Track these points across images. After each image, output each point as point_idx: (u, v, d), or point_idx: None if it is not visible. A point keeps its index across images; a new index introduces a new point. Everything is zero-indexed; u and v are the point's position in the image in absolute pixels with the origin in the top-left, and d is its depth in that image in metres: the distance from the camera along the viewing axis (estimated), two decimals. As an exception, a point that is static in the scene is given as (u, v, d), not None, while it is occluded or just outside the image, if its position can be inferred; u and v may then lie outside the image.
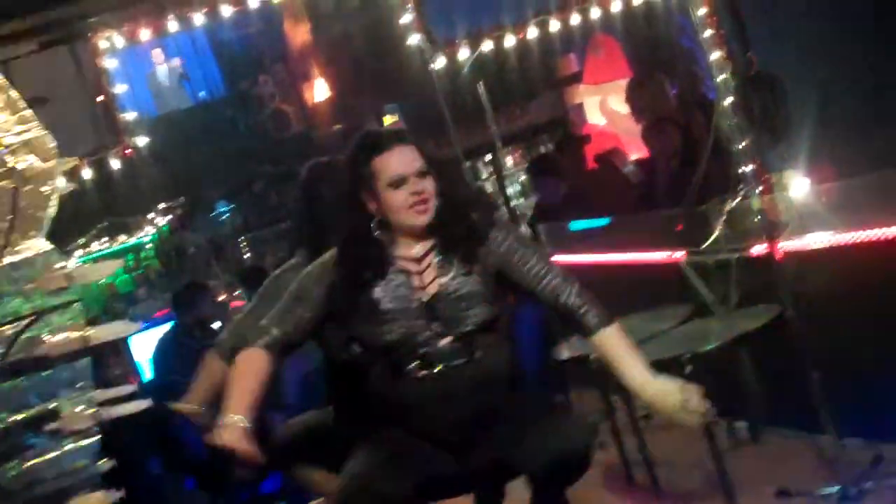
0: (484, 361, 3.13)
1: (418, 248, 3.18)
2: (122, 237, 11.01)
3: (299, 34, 10.90)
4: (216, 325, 7.68)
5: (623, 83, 9.76)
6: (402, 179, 3.10)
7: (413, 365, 3.12)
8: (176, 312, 7.56)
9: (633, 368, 3.06)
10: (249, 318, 3.71)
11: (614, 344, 3.11)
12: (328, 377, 3.99)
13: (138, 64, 11.22)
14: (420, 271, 3.16)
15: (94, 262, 9.44)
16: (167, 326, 7.77)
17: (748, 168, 4.87)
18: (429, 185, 3.13)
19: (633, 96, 7.06)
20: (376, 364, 3.21)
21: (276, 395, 6.26)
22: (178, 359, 7.30)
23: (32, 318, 3.20)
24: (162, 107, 11.65)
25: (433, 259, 3.17)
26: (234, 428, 3.09)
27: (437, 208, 3.15)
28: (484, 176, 11.18)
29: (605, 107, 10.19)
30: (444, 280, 3.13)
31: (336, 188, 3.37)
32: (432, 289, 3.14)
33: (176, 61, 11.79)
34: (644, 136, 6.91)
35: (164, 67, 11.72)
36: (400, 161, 3.11)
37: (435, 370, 3.11)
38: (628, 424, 4.69)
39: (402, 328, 3.11)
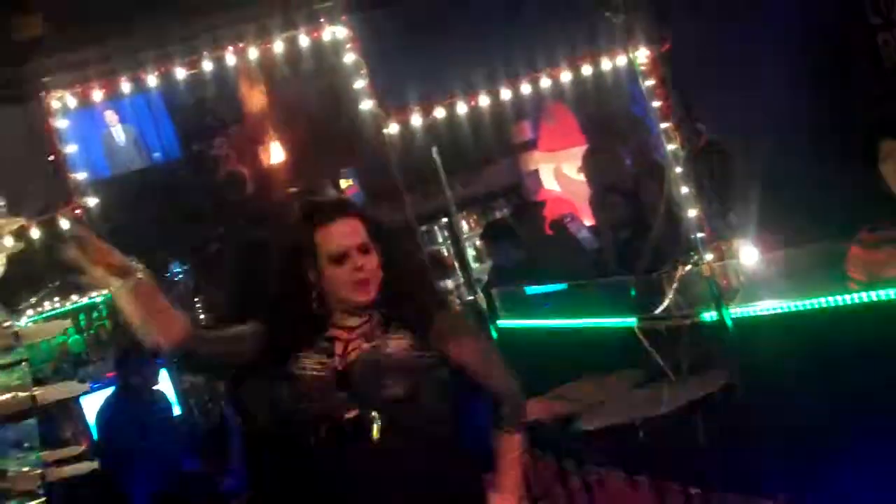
0: (392, 442, 2.90)
1: (356, 319, 3.03)
2: (74, 297, 10.90)
3: (255, 97, 10.93)
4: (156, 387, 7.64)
5: (577, 150, 9.90)
6: (344, 255, 2.96)
7: (318, 438, 2.92)
8: (118, 375, 7.50)
9: (505, 478, 3.10)
10: None
11: (508, 450, 3.12)
12: (249, 460, 3.86)
13: (92, 124, 11.18)
14: (348, 339, 3.00)
15: (45, 321, 9.35)
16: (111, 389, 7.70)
17: (699, 236, 4.94)
18: (371, 261, 2.98)
19: (587, 165, 7.14)
20: (289, 437, 3.04)
21: (223, 459, 6.23)
22: (120, 422, 7.24)
23: (-21, 377, 3.16)
24: (115, 167, 11.59)
25: (367, 328, 3.01)
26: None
27: (383, 282, 3.00)
28: (440, 240, 11.21)
29: (559, 174, 10.30)
30: (366, 347, 2.97)
31: (271, 261, 3.26)
32: (352, 356, 2.97)
33: (129, 124, 11.77)
34: (591, 205, 6.97)
35: (118, 128, 11.69)
36: (342, 235, 2.99)
37: (339, 446, 2.90)
38: (582, 490, 4.69)
39: (313, 397, 2.93)
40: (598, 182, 6.87)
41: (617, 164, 6.90)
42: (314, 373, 2.94)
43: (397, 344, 2.96)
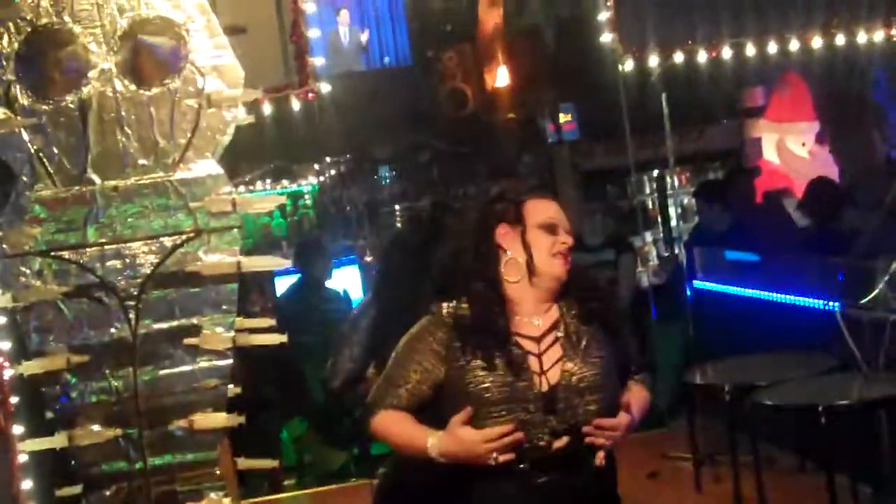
0: (600, 471, 2.74)
1: (539, 324, 2.83)
2: (285, 182, 11.25)
3: (492, 17, 10.91)
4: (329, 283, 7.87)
5: (804, 126, 9.57)
6: (554, 227, 2.85)
7: (520, 466, 2.71)
8: (297, 265, 7.72)
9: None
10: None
11: (639, 397, 2.90)
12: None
13: (325, 20, 11.38)
14: (540, 353, 2.78)
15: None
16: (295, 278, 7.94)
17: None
18: (570, 246, 2.87)
19: (839, 141, 6.85)
20: None
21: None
22: (294, 310, 7.47)
23: (192, 234, 3.29)
24: (335, 67, 11.78)
25: (556, 338, 2.81)
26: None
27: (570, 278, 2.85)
28: (647, 191, 11.05)
29: (782, 146, 9.99)
30: (569, 366, 2.76)
31: (464, 228, 3.04)
32: (553, 376, 2.75)
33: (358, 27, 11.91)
34: (850, 182, 6.63)
35: (347, 29, 11.84)
36: (556, 212, 2.89)
37: (545, 476, 2.72)
38: (750, 464, 4.60)
39: (513, 421, 2.70)
40: (852, 160, 6.54)
41: (871, 146, 6.61)
42: (512, 393, 2.73)
43: (594, 361, 2.78)
